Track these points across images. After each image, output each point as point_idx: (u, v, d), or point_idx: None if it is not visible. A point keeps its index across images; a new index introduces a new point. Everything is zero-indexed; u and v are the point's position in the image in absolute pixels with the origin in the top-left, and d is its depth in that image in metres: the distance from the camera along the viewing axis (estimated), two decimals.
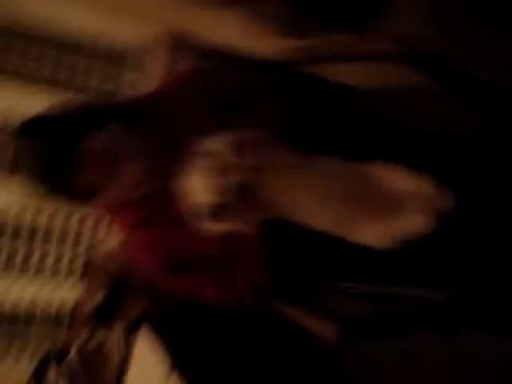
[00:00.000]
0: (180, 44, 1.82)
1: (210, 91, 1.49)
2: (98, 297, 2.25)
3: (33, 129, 1.34)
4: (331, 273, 1.57)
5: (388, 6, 2.70)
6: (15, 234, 3.14)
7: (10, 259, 3.13)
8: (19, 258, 3.17)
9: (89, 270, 2.64)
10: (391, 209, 1.32)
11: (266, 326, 2.10)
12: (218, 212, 1.21)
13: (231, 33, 1.83)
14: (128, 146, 1.37)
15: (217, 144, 1.25)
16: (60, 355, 2.31)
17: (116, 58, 3.39)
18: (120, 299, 2.22)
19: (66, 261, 3.30)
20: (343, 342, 1.43)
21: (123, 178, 1.36)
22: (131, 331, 2.08)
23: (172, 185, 1.33)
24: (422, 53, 1.44)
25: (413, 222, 1.30)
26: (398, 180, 1.34)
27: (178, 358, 1.63)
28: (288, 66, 1.83)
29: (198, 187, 1.20)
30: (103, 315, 2.23)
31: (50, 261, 3.27)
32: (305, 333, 1.51)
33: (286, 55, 1.84)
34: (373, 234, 1.32)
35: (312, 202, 1.33)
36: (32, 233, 3.20)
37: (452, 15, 2.35)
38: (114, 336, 2.13)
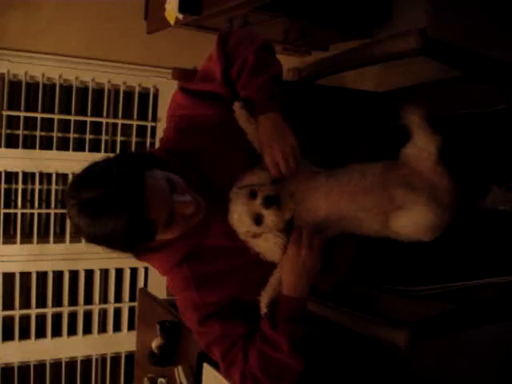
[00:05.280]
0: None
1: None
2: (156, 343, 2.27)
3: (91, 183, 1.25)
4: (394, 278, 1.62)
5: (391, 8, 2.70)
6: None
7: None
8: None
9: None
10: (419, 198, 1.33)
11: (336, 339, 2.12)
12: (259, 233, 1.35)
13: None
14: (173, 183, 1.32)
15: (254, 176, 1.38)
16: None
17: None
18: (177, 344, 2.26)
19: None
20: (415, 345, 1.39)
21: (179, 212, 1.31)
22: (192, 374, 2.10)
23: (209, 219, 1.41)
24: (435, 42, 1.43)
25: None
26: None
27: None
28: (307, 81, 1.81)
29: (241, 216, 1.33)
30: (162, 361, 2.28)
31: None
32: (374, 341, 1.52)
33: (302, 71, 1.81)
34: (409, 224, 1.33)
35: (349, 206, 1.37)
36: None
37: (450, 3, 2.32)
38: (176, 381, 2.17)
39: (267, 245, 1.38)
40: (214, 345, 1.43)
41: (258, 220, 1.32)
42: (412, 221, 1.31)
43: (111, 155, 1.36)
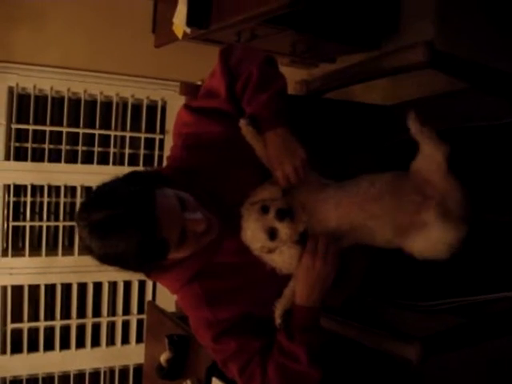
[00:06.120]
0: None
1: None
2: (164, 356, 2.27)
3: (101, 204, 1.25)
4: (405, 293, 1.62)
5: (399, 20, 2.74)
6: None
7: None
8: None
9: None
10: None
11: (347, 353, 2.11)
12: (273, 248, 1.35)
13: None
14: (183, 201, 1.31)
15: (265, 191, 1.38)
16: None
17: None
18: (186, 358, 2.25)
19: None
20: (426, 359, 1.40)
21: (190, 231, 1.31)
22: None
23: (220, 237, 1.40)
24: (442, 54, 1.43)
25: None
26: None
27: None
28: (315, 95, 1.81)
29: (254, 232, 1.33)
30: (171, 374, 2.28)
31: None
32: (386, 356, 1.51)
33: (311, 84, 1.82)
34: (422, 243, 1.32)
35: (359, 216, 1.36)
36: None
37: (457, 15, 2.32)
38: None
39: (282, 258, 1.37)
40: (230, 361, 1.42)
41: (272, 234, 1.31)
42: (431, 241, 1.30)
43: (120, 175, 1.35)
